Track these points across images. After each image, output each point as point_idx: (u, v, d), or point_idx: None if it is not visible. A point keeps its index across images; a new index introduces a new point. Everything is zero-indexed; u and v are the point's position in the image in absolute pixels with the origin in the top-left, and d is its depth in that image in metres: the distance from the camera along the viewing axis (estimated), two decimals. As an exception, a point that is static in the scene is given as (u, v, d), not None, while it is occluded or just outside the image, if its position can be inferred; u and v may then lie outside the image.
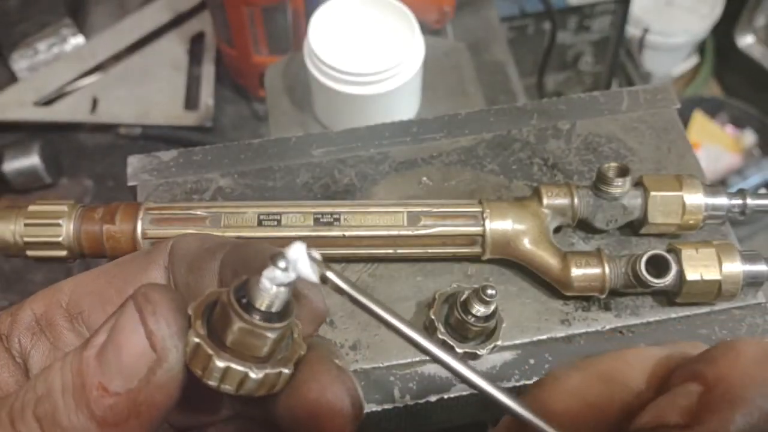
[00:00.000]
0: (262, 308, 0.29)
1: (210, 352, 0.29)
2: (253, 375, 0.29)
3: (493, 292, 0.48)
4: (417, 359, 0.53)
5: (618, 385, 0.28)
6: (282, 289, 0.29)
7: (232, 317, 0.29)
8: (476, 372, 0.29)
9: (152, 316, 0.28)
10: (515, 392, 0.51)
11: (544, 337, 0.54)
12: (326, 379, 0.31)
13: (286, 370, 0.30)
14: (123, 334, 0.28)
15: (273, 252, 0.29)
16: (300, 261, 0.29)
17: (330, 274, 0.29)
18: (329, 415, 0.31)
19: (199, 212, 0.54)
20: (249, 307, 0.29)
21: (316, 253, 0.29)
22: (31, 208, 0.54)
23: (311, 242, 0.53)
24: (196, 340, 0.29)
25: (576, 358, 0.52)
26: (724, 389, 0.24)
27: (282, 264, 0.28)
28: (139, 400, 0.28)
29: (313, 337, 0.35)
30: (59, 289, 0.37)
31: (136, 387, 0.28)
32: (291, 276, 0.29)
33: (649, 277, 0.51)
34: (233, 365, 0.29)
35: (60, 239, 0.53)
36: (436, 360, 0.29)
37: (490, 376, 0.52)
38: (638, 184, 0.56)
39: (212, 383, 0.29)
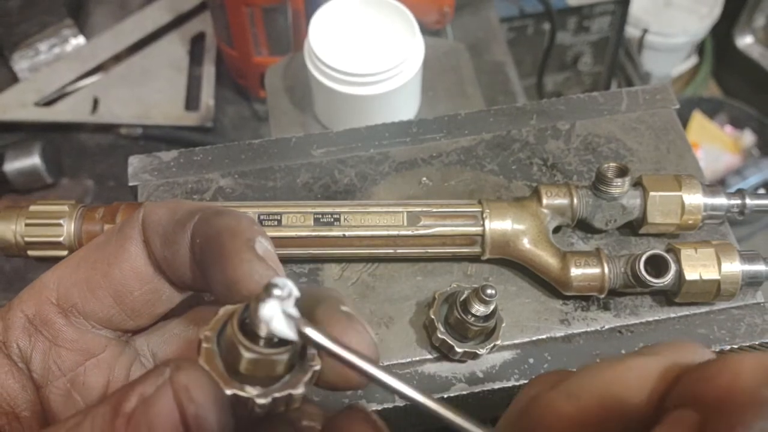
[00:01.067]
0: (264, 336, 0.29)
1: (247, 396, 0.29)
2: (261, 401, 0.29)
3: (493, 291, 0.48)
4: (417, 359, 0.53)
5: (617, 412, 0.26)
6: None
7: (240, 350, 0.29)
8: (464, 416, 0.28)
9: (195, 419, 0.27)
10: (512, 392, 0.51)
11: (543, 336, 0.54)
12: (337, 330, 0.31)
13: (295, 392, 0.30)
14: (160, 424, 0.27)
15: (259, 292, 0.29)
16: (275, 319, 0.28)
17: (309, 331, 0.29)
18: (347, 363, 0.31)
19: (199, 212, 0.54)
20: (254, 336, 0.29)
21: (293, 309, 0.29)
22: (32, 208, 0.54)
23: (311, 242, 0.54)
24: (229, 392, 0.29)
25: (575, 358, 0.52)
26: (723, 415, 0.24)
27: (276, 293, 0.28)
28: None
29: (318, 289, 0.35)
30: (45, 286, 0.36)
31: None
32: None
33: (648, 277, 0.51)
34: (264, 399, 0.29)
35: (61, 239, 0.53)
36: (427, 411, 0.29)
37: (490, 376, 0.52)
38: (637, 184, 0.56)
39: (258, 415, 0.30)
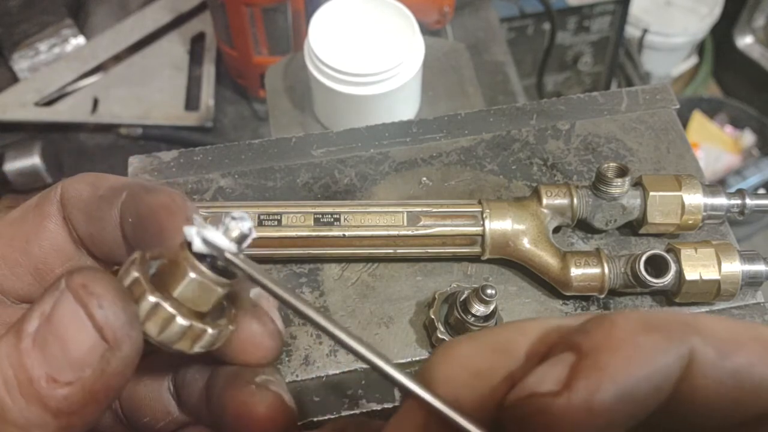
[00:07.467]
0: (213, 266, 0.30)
1: (172, 311, 0.29)
2: (211, 331, 0.30)
3: (493, 291, 0.48)
4: (417, 359, 0.53)
5: (506, 356, 0.28)
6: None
7: (186, 271, 0.29)
8: (363, 342, 0.29)
9: (99, 309, 0.27)
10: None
11: (543, 336, 0.54)
12: (243, 322, 0.32)
13: (232, 327, 0.31)
14: (67, 328, 0.27)
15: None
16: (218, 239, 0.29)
17: (230, 256, 0.30)
18: (252, 351, 0.32)
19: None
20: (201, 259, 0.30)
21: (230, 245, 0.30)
22: None
23: (311, 242, 0.54)
24: (153, 300, 0.29)
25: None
26: (595, 357, 0.25)
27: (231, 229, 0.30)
28: (96, 388, 0.27)
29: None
30: None
31: (89, 376, 0.27)
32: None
33: (648, 277, 0.51)
34: (195, 323, 0.29)
35: None
36: (328, 334, 0.30)
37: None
38: (637, 184, 0.56)
39: (170, 343, 0.30)
